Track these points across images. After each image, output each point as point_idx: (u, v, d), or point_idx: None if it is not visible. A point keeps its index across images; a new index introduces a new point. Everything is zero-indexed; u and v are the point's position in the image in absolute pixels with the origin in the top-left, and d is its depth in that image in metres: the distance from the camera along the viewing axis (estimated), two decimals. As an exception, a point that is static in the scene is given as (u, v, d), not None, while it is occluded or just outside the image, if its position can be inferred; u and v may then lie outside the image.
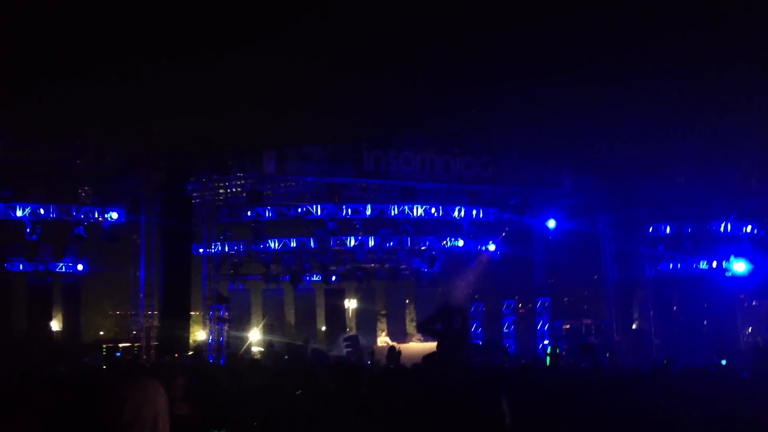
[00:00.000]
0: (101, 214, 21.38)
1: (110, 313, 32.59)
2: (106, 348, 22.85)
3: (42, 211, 21.01)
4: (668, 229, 25.12)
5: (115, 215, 21.41)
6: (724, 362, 16.27)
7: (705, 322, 25.36)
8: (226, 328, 22.59)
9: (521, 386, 7.03)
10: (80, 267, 23.09)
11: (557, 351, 23.50)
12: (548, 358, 22.46)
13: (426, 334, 9.57)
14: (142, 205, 21.20)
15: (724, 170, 24.30)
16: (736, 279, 24.78)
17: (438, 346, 9.36)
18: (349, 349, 24.80)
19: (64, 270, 23.11)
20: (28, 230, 20.98)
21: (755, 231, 25.18)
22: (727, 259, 24.76)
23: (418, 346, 24.50)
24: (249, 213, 23.44)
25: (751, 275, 24.69)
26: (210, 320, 22.29)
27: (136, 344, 21.46)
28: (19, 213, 20.84)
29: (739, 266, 24.54)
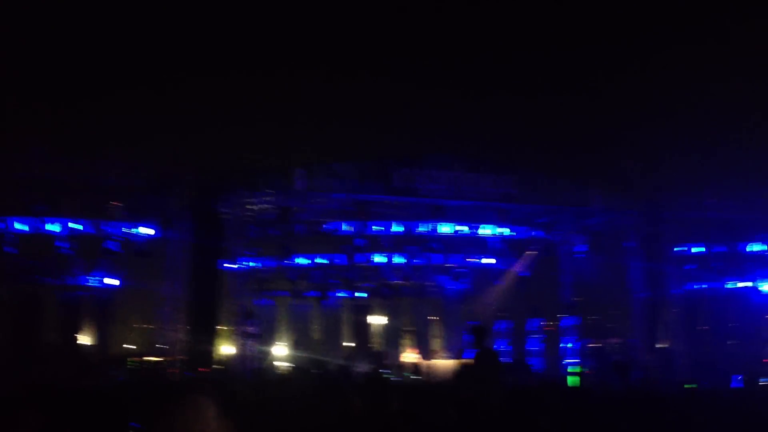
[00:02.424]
0: (132, 229, 21.59)
1: (134, 326, 32.86)
2: (135, 361, 23.06)
3: (74, 226, 21.27)
4: (697, 249, 24.88)
5: (145, 230, 21.61)
6: None
7: (736, 340, 25.06)
8: (253, 343, 22.69)
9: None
10: (112, 281, 23.34)
11: (582, 371, 23.32)
12: (574, 378, 22.29)
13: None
14: (172, 221, 21.36)
15: (755, 191, 24.08)
16: (765, 296, 24.58)
17: (476, 364, 9.30)
18: (375, 365, 24.82)
19: (95, 284, 23.36)
20: (60, 245, 21.28)
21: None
22: (757, 280, 24.54)
23: (442, 363, 24.44)
24: (277, 229, 23.57)
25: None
26: (237, 335, 22.41)
27: (161, 358, 21.56)
28: (51, 228, 21.12)
29: (770, 287, 24.36)
